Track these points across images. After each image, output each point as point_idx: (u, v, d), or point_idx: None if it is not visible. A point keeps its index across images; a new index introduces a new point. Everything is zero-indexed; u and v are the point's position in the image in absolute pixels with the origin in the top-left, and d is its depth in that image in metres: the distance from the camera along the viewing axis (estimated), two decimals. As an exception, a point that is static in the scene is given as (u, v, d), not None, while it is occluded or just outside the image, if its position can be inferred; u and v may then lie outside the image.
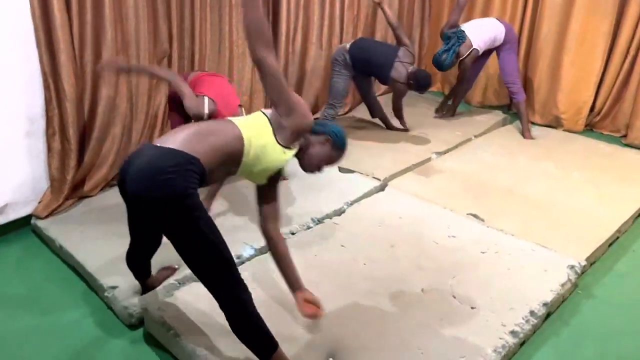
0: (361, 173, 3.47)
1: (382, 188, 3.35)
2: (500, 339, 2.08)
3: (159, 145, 1.76)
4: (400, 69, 3.65)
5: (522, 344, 2.18)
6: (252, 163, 1.85)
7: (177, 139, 1.76)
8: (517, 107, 4.30)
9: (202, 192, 2.12)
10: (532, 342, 2.21)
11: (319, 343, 2.05)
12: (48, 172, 2.94)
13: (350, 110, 4.71)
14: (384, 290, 2.37)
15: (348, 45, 3.80)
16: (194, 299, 2.21)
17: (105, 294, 2.35)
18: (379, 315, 2.21)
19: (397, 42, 3.83)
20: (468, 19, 4.67)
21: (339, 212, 3.03)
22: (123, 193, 1.84)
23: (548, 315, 2.35)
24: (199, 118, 2.62)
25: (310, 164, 2.00)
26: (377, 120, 4.35)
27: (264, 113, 1.91)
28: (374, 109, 4.28)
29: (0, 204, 2.83)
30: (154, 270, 2.33)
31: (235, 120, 1.88)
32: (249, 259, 2.58)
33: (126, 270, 2.22)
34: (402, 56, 3.67)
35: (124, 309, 2.25)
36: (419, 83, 3.68)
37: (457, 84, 4.48)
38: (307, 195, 3.13)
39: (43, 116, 2.85)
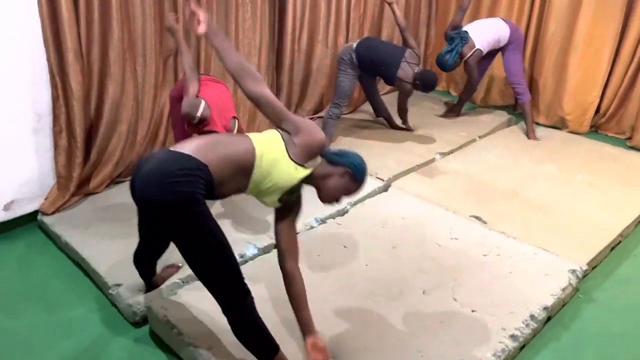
0: (365, 173, 3.48)
1: (385, 188, 3.37)
2: (500, 342, 2.09)
3: (171, 149, 1.78)
4: (407, 69, 3.66)
5: (521, 347, 2.19)
6: (263, 177, 1.82)
7: (190, 146, 1.77)
8: (522, 107, 4.30)
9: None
10: (532, 346, 2.23)
11: (320, 344, 2.07)
12: (54, 168, 2.97)
13: (355, 109, 4.71)
14: (385, 291, 2.39)
15: (354, 45, 3.81)
16: (198, 297, 2.24)
17: (110, 291, 2.38)
18: (380, 316, 2.23)
19: (404, 43, 3.83)
20: (474, 19, 4.66)
21: (342, 213, 3.05)
22: (133, 195, 1.86)
23: (548, 319, 2.36)
24: (189, 119, 2.59)
25: (328, 196, 1.94)
26: (381, 120, 4.36)
27: (278, 131, 1.89)
28: (379, 109, 4.28)
29: (7, 200, 2.87)
30: (158, 268, 2.35)
31: (251, 134, 1.88)
32: (252, 258, 2.61)
33: (131, 267, 2.25)
34: (409, 57, 3.67)
35: (128, 307, 2.28)
36: (425, 83, 3.68)
37: (466, 84, 4.46)
38: (310, 195, 3.14)
39: (50, 113, 2.88)
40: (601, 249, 2.77)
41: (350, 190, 1.93)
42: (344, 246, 2.72)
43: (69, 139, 2.92)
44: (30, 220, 2.96)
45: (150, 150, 3.39)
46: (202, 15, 1.80)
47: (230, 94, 3.02)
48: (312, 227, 2.89)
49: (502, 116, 4.68)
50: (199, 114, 2.57)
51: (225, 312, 1.81)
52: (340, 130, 4.11)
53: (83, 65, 2.87)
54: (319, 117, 4.30)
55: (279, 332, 2.03)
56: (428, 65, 5.53)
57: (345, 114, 4.41)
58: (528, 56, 4.72)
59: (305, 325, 1.96)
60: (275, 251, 2.61)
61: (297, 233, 2.78)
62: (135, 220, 2.04)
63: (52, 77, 2.79)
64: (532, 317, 2.24)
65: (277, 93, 4.19)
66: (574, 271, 2.52)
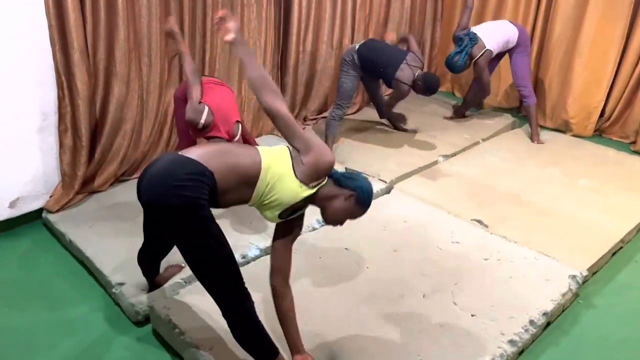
0: (367, 175, 3.49)
1: (388, 191, 3.38)
2: (499, 347, 2.11)
3: (179, 153, 1.80)
4: (407, 71, 3.63)
5: (520, 353, 2.21)
6: (267, 190, 1.81)
7: (198, 152, 1.79)
8: (528, 110, 4.29)
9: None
10: (531, 352, 2.24)
11: (319, 346, 2.09)
12: (59, 167, 3.00)
13: (358, 110, 4.72)
14: (386, 294, 2.40)
15: (357, 46, 3.81)
16: (200, 297, 2.25)
17: (113, 290, 2.40)
18: (380, 319, 2.25)
19: (407, 48, 3.82)
20: (480, 21, 4.67)
21: (344, 214, 3.06)
22: (140, 198, 1.88)
23: (548, 324, 2.37)
24: (193, 125, 2.61)
25: (332, 217, 1.95)
26: (385, 121, 4.37)
27: (288, 147, 1.90)
28: (383, 110, 4.29)
29: (13, 198, 2.89)
30: (161, 267, 2.38)
31: (259, 147, 1.89)
32: (254, 259, 2.63)
33: (134, 266, 2.28)
34: (410, 60, 3.66)
35: (130, 306, 2.31)
36: (427, 84, 3.63)
37: (479, 86, 4.39)
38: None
39: (55, 112, 2.91)
40: (602, 254, 2.78)
41: (354, 214, 1.93)
42: (346, 248, 2.73)
43: (74, 137, 2.95)
44: (35, 217, 2.99)
45: (154, 149, 3.41)
46: (232, 23, 1.84)
47: (234, 97, 3.04)
48: (314, 229, 2.90)
49: (507, 119, 4.68)
50: (202, 120, 2.59)
51: (225, 315, 1.83)
52: (343, 131, 4.13)
53: (89, 65, 2.90)
54: (322, 118, 4.32)
55: (279, 335, 2.04)
56: (433, 67, 5.54)
57: (348, 114, 4.42)
58: (533, 58, 4.71)
59: (293, 345, 1.93)
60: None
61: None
62: (139, 219, 2.06)
63: (58, 77, 2.82)
64: (531, 322, 2.25)
65: (282, 93, 4.19)
66: (574, 277, 2.53)
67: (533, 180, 3.58)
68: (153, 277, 2.34)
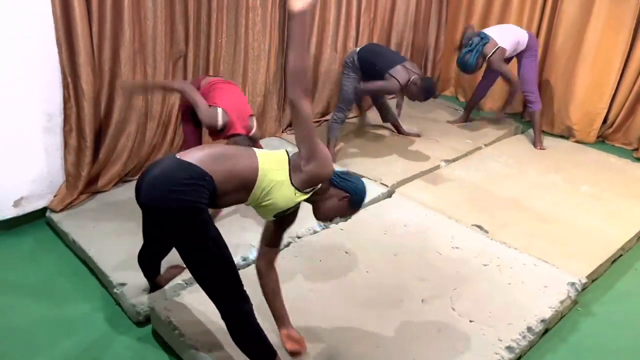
0: (369, 178, 3.51)
1: (389, 195, 3.39)
2: (496, 354, 2.12)
3: (177, 157, 1.82)
4: (401, 72, 3.58)
5: (518, 359, 2.21)
6: (262, 196, 1.84)
7: (196, 156, 1.81)
8: (533, 116, 4.28)
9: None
10: (529, 358, 2.25)
11: (317, 349, 2.10)
12: (64, 167, 3.03)
13: (362, 113, 4.73)
14: (385, 298, 2.42)
15: (358, 49, 3.82)
16: (200, 299, 2.26)
17: (115, 290, 2.43)
18: (379, 324, 2.26)
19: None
20: (484, 27, 4.68)
21: (346, 218, 3.08)
22: (138, 197, 1.91)
23: (546, 331, 2.38)
24: (212, 129, 2.68)
25: (323, 215, 1.99)
26: (388, 125, 4.38)
27: (287, 152, 1.92)
28: (386, 114, 4.30)
29: (17, 197, 2.92)
30: (162, 268, 2.40)
31: (257, 151, 1.90)
32: (254, 262, 2.63)
33: (135, 267, 2.30)
34: (409, 65, 3.64)
35: (132, 307, 2.33)
36: (424, 87, 3.58)
37: (508, 84, 4.33)
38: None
39: (61, 113, 2.93)
40: (602, 262, 2.78)
41: (345, 214, 1.98)
42: (346, 252, 2.75)
43: (79, 138, 2.98)
44: (39, 217, 3.02)
45: (158, 150, 3.44)
46: None
47: (242, 92, 3.10)
48: (315, 232, 2.92)
49: (510, 124, 4.68)
50: (220, 122, 2.65)
51: (224, 317, 1.85)
52: (346, 135, 4.14)
53: (94, 66, 2.93)
54: (325, 121, 4.33)
55: (277, 337, 2.07)
56: (437, 72, 5.55)
57: (351, 118, 4.44)
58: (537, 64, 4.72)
59: (280, 318, 2.08)
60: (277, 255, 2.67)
61: (299, 237, 2.85)
62: (141, 220, 2.09)
63: (64, 78, 2.85)
64: (529, 329, 2.26)
65: (285, 96, 4.22)
66: (573, 284, 2.54)
67: (534, 186, 3.59)
68: (154, 278, 2.36)
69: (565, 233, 3.02)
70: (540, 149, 4.22)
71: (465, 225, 3.04)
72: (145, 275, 2.33)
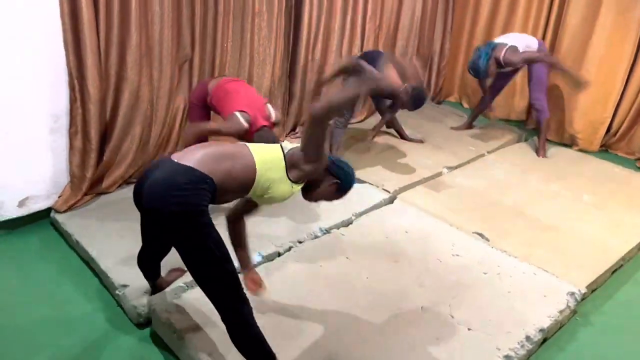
0: (371, 184, 3.53)
1: (391, 200, 3.40)
2: (494, 362, 2.13)
3: (176, 161, 1.85)
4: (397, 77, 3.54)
5: (515, 367, 2.22)
6: (261, 192, 1.95)
7: (194, 157, 1.84)
8: (539, 124, 4.29)
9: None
10: (526, 367, 2.26)
11: (316, 354, 2.12)
12: (69, 168, 3.06)
13: (366, 118, 4.76)
14: (385, 305, 2.43)
15: (359, 55, 3.83)
16: (201, 302, 2.28)
17: (116, 292, 2.45)
18: (377, 330, 2.27)
19: None
20: (489, 36, 4.71)
21: (347, 223, 3.10)
22: (137, 202, 1.93)
23: (544, 340, 2.39)
24: (242, 133, 2.78)
25: (311, 198, 2.11)
26: (392, 131, 4.40)
27: (281, 148, 2.00)
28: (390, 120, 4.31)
29: (22, 197, 2.95)
30: (163, 271, 2.42)
31: (253, 150, 1.95)
32: (256, 266, 2.65)
33: (137, 269, 2.32)
34: None
35: (133, 308, 2.35)
36: (415, 96, 3.50)
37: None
38: (315, 204, 3.19)
39: (67, 115, 2.97)
40: (602, 272, 2.79)
41: (332, 199, 2.11)
42: (347, 257, 2.76)
43: (84, 140, 3.01)
44: (43, 217, 3.05)
45: (162, 153, 3.46)
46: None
47: (249, 85, 3.20)
48: (316, 237, 2.94)
49: (513, 131, 4.69)
50: (245, 124, 2.77)
51: (224, 319, 1.88)
52: (349, 140, 4.15)
53: (101, 69, 2.96)
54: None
55: (276, 340, 2.08)
56: (441, 79, 5.56)
57: (354, 123, 4.45)
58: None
59: (243, 261, 2.21)
60: (278, 259, 2.70)
61: (301, 242, 2.87)
62: (143, 222, 2.11)
63: (71, 80, 2.88)
64: (527, 338, 2.26)
65: (289, 100, 4.25)
66: (572, 294, 2.54)
67: (537, 194, 3.59)
68: (154, 280, 2.38)
69: (566, 242, 3.03)
70: (544, 157, 4.22)
71: (466, 232, 3.05)
72: (146, 277, 2.35)
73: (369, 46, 4.52)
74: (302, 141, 1.93)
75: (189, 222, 1.76)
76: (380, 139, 4.32)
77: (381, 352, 2.15)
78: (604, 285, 2.83)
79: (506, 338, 2.25)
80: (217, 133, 2.93)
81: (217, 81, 3.03)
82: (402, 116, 4.31)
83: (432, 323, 2.34)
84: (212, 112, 3.10)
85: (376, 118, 4.50)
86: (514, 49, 3.99)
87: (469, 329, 2.30)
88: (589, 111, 4.49)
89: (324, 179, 2.04)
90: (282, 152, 1.97)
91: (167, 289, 2.40)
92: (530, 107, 4.88)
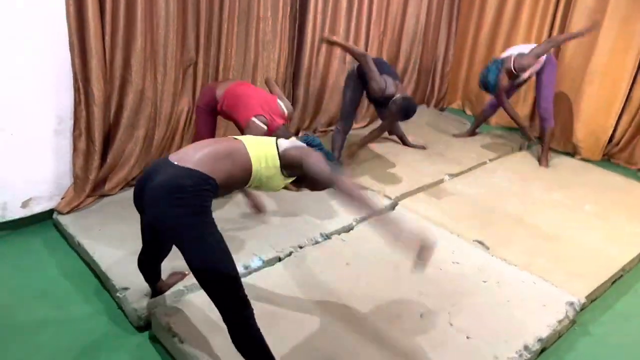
0: (373, 190, 3.54)
1: (392, 207, 3.41)
2: (492, 371, 2.13)
3: (176, 163, 1.86)
4: (391, 87, 3.51)
5: (513, 377, 2.23)
6: (256, 185, 2.07)
7: (194, 158, 1.87)
8: (543, 133, 4.29)
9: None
10: (524, 376, 2.26)
11: (314, 359, 2.13)
12: (72, 170, 3.07)
13: (369, 124, 4.77)
14: (383, 312, 2.43)
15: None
16: (201, 306, 2.31)
17: (117, 294, 2.46)
18: (376, 337, 2.28)
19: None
20: (492, 46, 4.72)
21: (348, 229, 3.10)
22: (137, 204, 1.96)
23: (543, 350, 2.39)
24: (266, 134, 2.86)
25: (300, 187, 2.21)
26: (394, 137, 4.41)
27: (276, 145, 2.05)
28: (392, 127, 4.32)
29: (26, 198, 2.97)
30: (164, 274, 2.43)
31: (249, 146, 2.00)
32: (256, 270, 2.67)
33: (139, 272, 2.33)
34: (399, 83, 3.59)
35: (133, 311, 2.36)
36: (404, 107, 3.48)
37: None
38: (317, 207, 3.21)
39: (71, 117, 2.99)
40: (602, 282, 2.79)
41: (317, 189, 2.20)
42: (347, 263, 2.77)
43: (88, 142, 3.03)
44: (46, 218, 3.07)
45: (165, 155, 3.48)
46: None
47: (253, 85, 3.27)
48: (316, 242, 2.94)
49: (515, 140, 4.70)
50: (265, 127, 2.88)
51: (225, 320, 1.89)
52: (352, 146, 4.15)
53: (105, 72, 2.98)
54: (331, 131, 4.36)
55: (274, 343, 2.08)
56: (445, 85, 5.57)
57: (356, 128, 4.46)
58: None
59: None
60: (279, 264, 2.71)
61: (301, 247, 2.88)
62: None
63: (75, 82, 2.90)
64: (525, 347, 2.26)
65: (293, 106, 4.26)
66: (571, 303, 2.54)
67: (538, 203, 3.60)
68: (155, 282, 2.39)
69: (567, 252, 3.03)
70: (545, 166, 4.21)
71: (466, 240, 3.06)
72: (146, 279, 2.36)
73: (373, 52, 4.54)
74: (316, 174, 2.00)
75: (191, 222, 1.79)
76: (382, 145, 4.33)
77: (379, 359, 2.16)
78: (603, 295, 2.83)
79: (504, 347, 2.25)
80: None
81: (224, 87, 3.05)
82: (404, 122, 4.31)
83: (431, 331, 2.34)
84: (218, 117, 3.13)
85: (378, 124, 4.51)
86: (521, 54, 3.99)
87: (467, 337, 2.31)
88: (592, 120, 4.49)
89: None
90: (276, 150, 2.03)
91: (168, 292, 2.41)
92: (532, 114, 4.89)
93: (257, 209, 2.90)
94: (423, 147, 4.34)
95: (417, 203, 3.47)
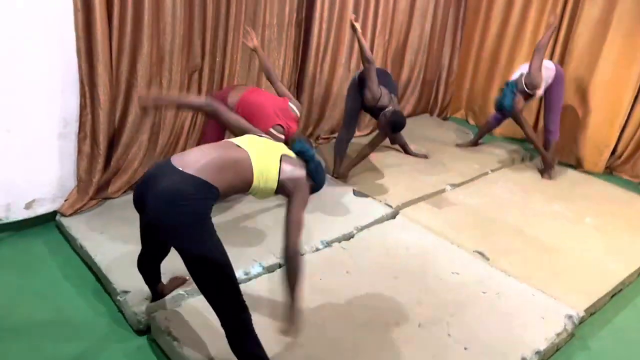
0: (374, 198, 3.55)
1: (393, 216, 3.42)
2: (489, 383, 2.14)
3: (180, 169, 1.88)
4: (385, 97, 3.51)
5: (510, 389, 2.23)
6: (254, 194, 2.13)
7: (197, 165, 1.89)
8: (547, 146, 4.28)
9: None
10: (521, 389, 2.26)
11: (313, 368, 2.14)
12: (76, 172, 3.10)
13: (371, 132, 4.78)
14: (382, 321, 2.44)
15: (359, 72, 3.84)
16: (201, 311, 2.32)
17: (118, 297, 2.47)
18: (374, 346, 2.29)
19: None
20: (495, 59, 4.73)
21: (348, 237, 3.12)
22: (138, 207, 1.98)
23: (541, 362, 2.40)
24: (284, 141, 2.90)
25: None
26: (396, 146, 4.42)
27: (279, 159, 2.12)
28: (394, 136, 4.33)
29: (29, 199, 3.00)
30: (165, 278, 2.45)
31: (254, 159, 2.03)
32: (256, 277, 2.68)
33: (139, 275, 2.34)
34: (395, 99, 3.59)
35: (133, 315, 2.37)
36: (393, 120, 3.46)
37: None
38: (319, 214, 3.22)
39: (76, 120, 3.01)
40: (601, 295, 2.79)
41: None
42: (347, 271, 2.78)
43: (92, 145, 3.05)
44: (49, 220, 3.09)
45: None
46: None
47: (262, 90, 3.34)
48: (317, 249, 2.96)
49: (518, 150, 4.70)
50: (282, 137, 2.90)
51: (223, 324, 1.91)
52: (353, 154, 4.16)
53: (111, 77, 3.00)
54: (334, 138, 4.38)
55: (272, 351, 2.10)
56: (448, 95, 5.58)
57: (358, 136, 4.48)
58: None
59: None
60: (279, 270, 2.72)
61: (302, 254, 2.89)
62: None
63: (82, 86, 2.93)
64: (523, 359, 2.27)
65: (297, 112, 4.28)
66: (570, 317, 2.55)
67: (539, 215, 3.60)
68: (155, 285, 2.40)
69: (566, 264, 3.03)
70: (547, 179, 4.20)
71: (466, 251, 3.06)
72: (146, 281, 2.37)
73: (377, 60, 4.55)
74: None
75: (192, 226, 1.82)
76: (384, 154, 4.34)
77: (377, 368, 2.17)
78: (602, 309, 2.84)
79: (502, 359, 2.26)
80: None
81: (238, 95, 3.07)
82: (407, 131, 4.32)
83: (429, 341, 2.35)
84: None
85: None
86: (528, 74, 3.97)
87: (465, 348, 2.31)
88: (595, 133, 4.50)
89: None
90: (277, 175, 2.08)
91: (168, 297, 2.43)
92: (535, 124, 4.90)
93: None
94: (425, 156, 4.35)
95: (418, 212, 3.48)
